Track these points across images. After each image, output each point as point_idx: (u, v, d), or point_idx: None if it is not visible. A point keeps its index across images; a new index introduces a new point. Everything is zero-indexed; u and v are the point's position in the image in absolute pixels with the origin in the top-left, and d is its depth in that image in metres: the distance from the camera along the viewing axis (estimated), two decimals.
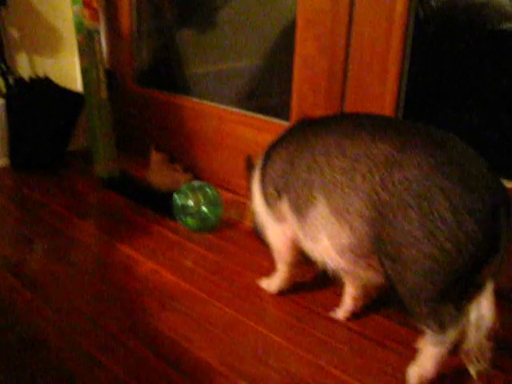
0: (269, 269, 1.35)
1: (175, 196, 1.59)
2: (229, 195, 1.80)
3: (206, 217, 1.57)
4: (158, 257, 1.44)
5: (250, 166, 1.29)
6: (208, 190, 1.59)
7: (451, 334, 0.95)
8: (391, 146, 0.95)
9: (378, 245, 0.97)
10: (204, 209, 1.56)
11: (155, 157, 1.95)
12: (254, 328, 1.17)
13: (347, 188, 0.98)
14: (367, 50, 1.37)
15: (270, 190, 1.17)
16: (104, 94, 1.92)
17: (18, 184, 1.89)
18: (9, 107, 1.94)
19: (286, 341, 1.13)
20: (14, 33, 1.97)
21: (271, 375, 1.04)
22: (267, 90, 1.94)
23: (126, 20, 2.05)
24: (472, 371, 0.96)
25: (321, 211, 1.04)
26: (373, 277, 1.06)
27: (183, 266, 1.41)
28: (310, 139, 1.08)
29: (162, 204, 1.71)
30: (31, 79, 1.96)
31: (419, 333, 1.14)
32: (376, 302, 1.24)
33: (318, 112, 1.49)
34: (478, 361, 0.93)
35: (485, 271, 0.92)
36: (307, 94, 1.50)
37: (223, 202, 1.63)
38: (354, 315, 1.21)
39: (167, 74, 2.15)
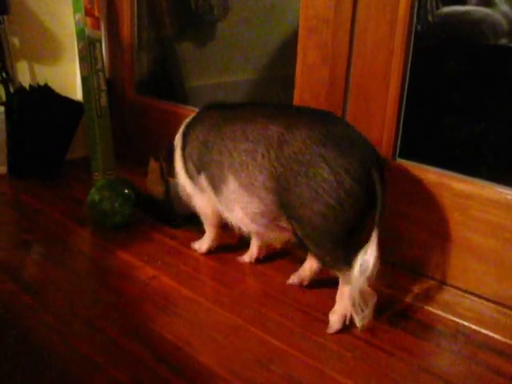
0: (268, 275, 1.35)
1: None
2: None
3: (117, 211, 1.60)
4: (157, 262, 1.43)
5: (164, 157, 1.55)
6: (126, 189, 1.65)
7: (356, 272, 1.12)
8: (281, 127, 1.16)
9: (283, 209, 1.17)
10: (116, 205, 1.60)
11: (153, 165, 1.94)
12: (256, 333, 1.16)
13: (251, 166, 1.19)
14: (369, 58, 1.38)
15: (191, 166, 1.37)
16: (104, 102, 1.93)
17: (15, 191, 1.87)
18: (8, 115, 1.93)
19: (288, 346, 1.12)
20: (15, 40, 1.98)
21: (274, 381, 1.02)
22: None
23: (127, 29, 2.06)
24: (357, 322, 1.14)
25: (232, 187, 1.24)
26: (280, 236, 1.28)
27: (183, 271, 1.40)
28: (220, 126, 1.29)
29: (160, 212, 1.70)
30: (31, 87, 1.96)
31: (421, 339, 1.15)
32: (380, 309, 1.23)
33: None
34: (363, 310, 1.12)
35: (368, 221, 1.11)
36: (309, 102, 1.50)
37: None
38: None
39: (167, 83, 2.16)
